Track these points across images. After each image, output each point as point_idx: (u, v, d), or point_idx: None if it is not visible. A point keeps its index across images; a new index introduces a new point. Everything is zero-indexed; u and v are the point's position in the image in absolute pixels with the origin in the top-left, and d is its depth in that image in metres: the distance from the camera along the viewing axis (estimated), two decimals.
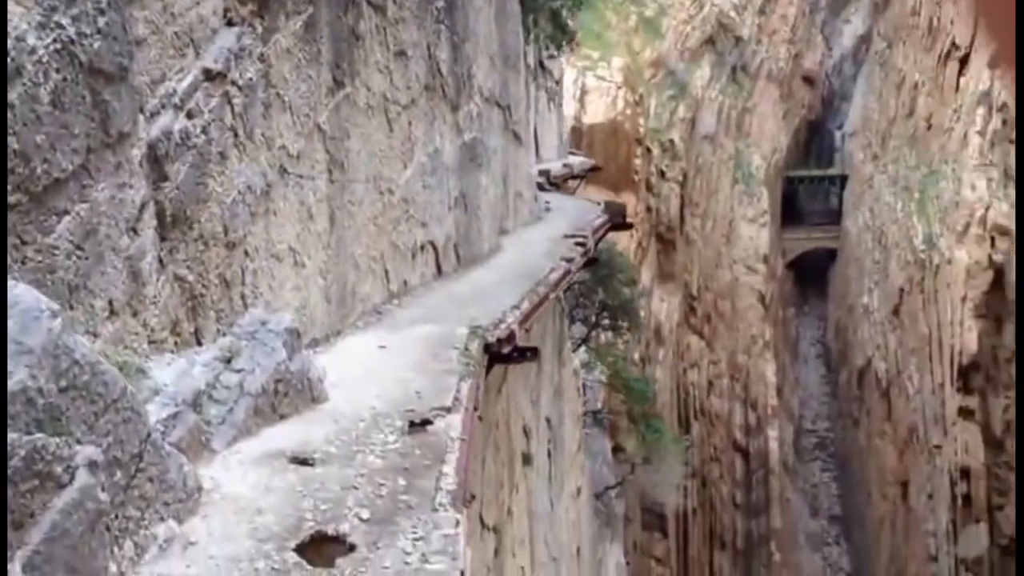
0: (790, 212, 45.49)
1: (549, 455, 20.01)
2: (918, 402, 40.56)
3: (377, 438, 9.52)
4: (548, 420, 19.89)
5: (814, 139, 48.00)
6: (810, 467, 42.76)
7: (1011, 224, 38.08)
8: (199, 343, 10.20)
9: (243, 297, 10.94)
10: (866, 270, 42.76)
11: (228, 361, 9.71)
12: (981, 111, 39.18)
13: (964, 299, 38.77)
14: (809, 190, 47.07)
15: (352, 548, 7.57)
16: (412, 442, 9.45)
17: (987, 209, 38.29)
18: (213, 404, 9.33)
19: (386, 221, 14.10)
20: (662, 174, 42.52)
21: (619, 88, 42.24)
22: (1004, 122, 39.02)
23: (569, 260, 17.37)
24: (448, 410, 10.38)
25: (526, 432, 18.17)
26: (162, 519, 7.57)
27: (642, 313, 28.94)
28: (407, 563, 7.30)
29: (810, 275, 46.57)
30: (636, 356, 30.00)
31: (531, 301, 14.52)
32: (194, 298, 10.24)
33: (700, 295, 39.72)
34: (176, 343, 9.90)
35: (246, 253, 11.00)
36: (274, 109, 11.55)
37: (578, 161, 28.89)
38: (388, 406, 10.37)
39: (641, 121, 43.12)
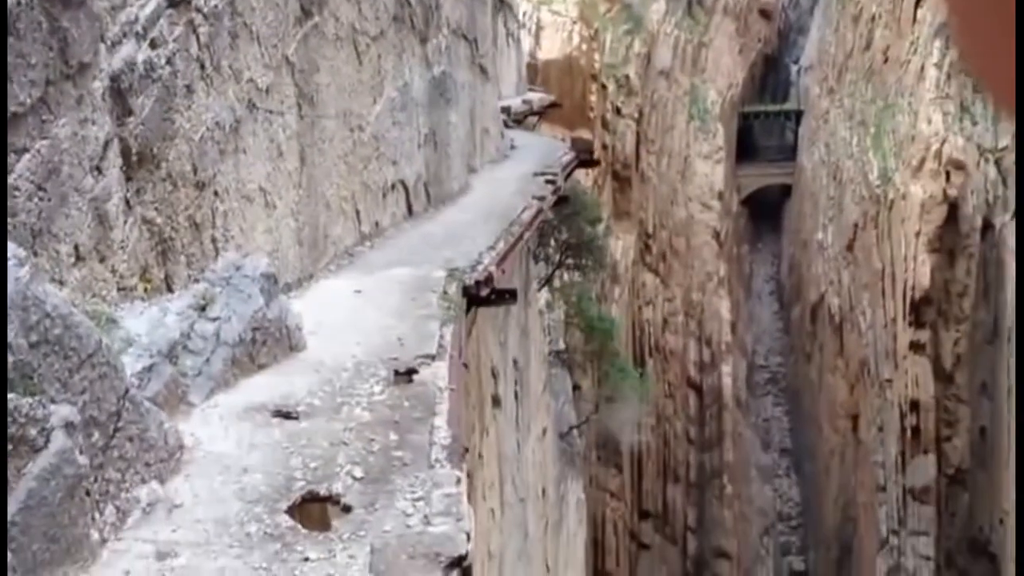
0: (745, 148, 45.13)
1: (516, 397, 19.62)
2: (870, 337, 40.71)
3: (362, 389, 8.99)
4: (515, 361, 19.46)
5: (770, 74, 47.56)
6: (762, 402, 42.92)
7: (966, 158, 38.02)
8: (170, 290, 9.57)
9: (214, 241, 10.30)
10: (821, 206, 42.64)
11: (203, 309, 9.10)
12: (938, 43, 38.93)
13: (918, 234, 38.79)
14: (764, 126, 46.70)
15: (347, 509, 7.07)
16: (399, 393, 8.93)
17: (942, 143, 38.17)
18: (189, 355, 8.73)
19: (356, 159, 13.45)
20: (618, 111, 41.93)
21: (574, 23, 41.45)
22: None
23: (540, 199, 16.80)
24: (433, 358, 9.86)
25: (494, 374, 17.74)
26: (144, 480, 7.01)
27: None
28: (408, 526, 6.80)
29: (765, 211, 46.38)
30: (592, 295, 29.63)
31: (506, 242, 13.99)
32: (163, 242, 9.59)
33: (655, 233, 39.40)
34: (146, 290, 9.27)
35: (216, 194, 10.35)
36: (241, 40, 10.82)
37: (537, 97, 28.23)
38: (370, 354, 9.83)
39: (596, 57, 42.40)
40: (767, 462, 40.97)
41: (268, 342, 9.44)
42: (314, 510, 7.12)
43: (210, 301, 9.16)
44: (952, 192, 39.19)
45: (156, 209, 9.48)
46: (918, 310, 40.25)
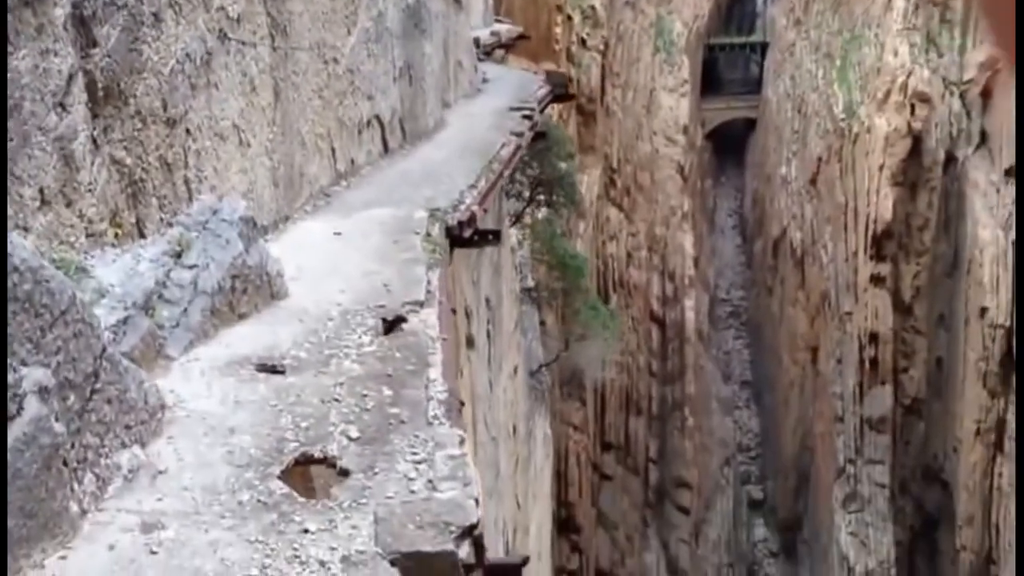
0: (710, 81, 44.39)
1: (488, 336, 19.12)
2: (831, 270, 40.58)
3: (350, 339, 8.41)
4: (488, 300, 18.93)
5: (736, 5, 46.67)
6: (724, 335, 42.78)
7: (931, 91, 37.65)
8: (142, 235, 8.89)
9: (187, 182, 9.61)
10: (785, 139, 42.20)
11: (178, 256, 8.45)
12: None
13: (882, 167, 38.51)
14: (729, 58, 45.94)
15: (345, 473, 6.53)
16: (389, 344, 8.36)
17: (908, 75, 37.73)
18: (165, 305, 8.09)
19: (331, 94, 12.71)
20: (583, 42, 41.01)
21: None
22: None
23: (518, 135, 16.14)
24: (421, 304, 9.28)
25: (467, 314, 17.20)
26: (124, 445, 6.42)
27: None
28: (412, 491, 6.26)
29: (728, 145, 45.81)
30: (561, 231, 29.07)
31: (487, 180, 13.36)
32: (134, 184, 8.89)
33: (620, 167, 38.77)
34: (117, 236, 8.59)
35: (188, 131, 9.63)
36: None
37: (505, 29, 27.35)
38: (355, 302, 9.23)
39: None
40: (727, 394, 40.94)
41: (248, 290, 8.81)
42: (308, 473, 6.58)
43: (186, 247, 8.51)
44: (916, 125, 38.91)
45: (125, 148, 8.77)
46: (879, 243, 40.15)
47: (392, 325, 8.78)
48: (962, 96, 38.28)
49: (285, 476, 6.43)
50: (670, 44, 42.10)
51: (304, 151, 12.07)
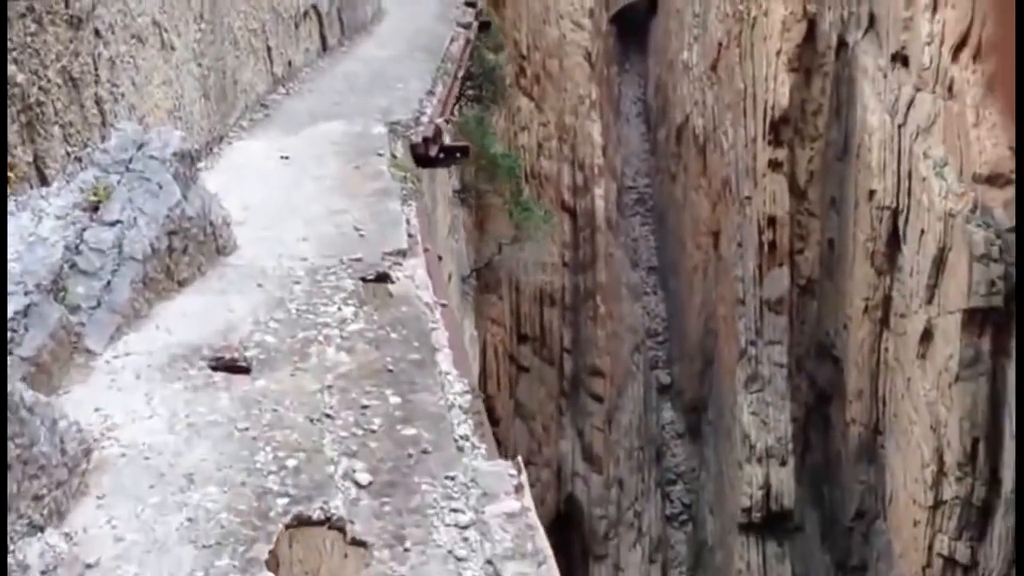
0: None
1: None
2: (732, 156, 38.77)
3: (328, 312, 5.94)
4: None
5: None
6: (630, 222, 40.89)
7: None
8: (43, 181, 6.19)
9: (99, 102, 6.86)
10: (686, 24, 39.78)
11: (95, 209, 5.83)
12: None
13: (779, 52, 36.48)
14: None
15: (361, 545, 4.18)
16: (378, 318, 5.92)
17: None
18: (81, 279, 5.51)
19: None
20: None
21: None
22: None
23: (465, 26, 13.46)
24: (403, 254, 6.83)
25: None
26: (34, 526, 3.97)
27: None
28: None
29: (632, 30, 43.12)
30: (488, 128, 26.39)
31: (444, 84, 10.78)
32: (28, 109, 6.15)
33: (529, 54, 35.95)
34: (8, 182, 5.89)
35: (97, 33, 6.85)
36: None
37: None
38: (324, 253, 6.73)
39: None
40: (636, 280, 39.23)
41: (189, 248, 6.22)
42: (310, 547, 4.19)
43: (105, 197, 5.88)
44: (811, 8, 36.88)
45: (14, 61, 6.00)
46: (777, 129, 38.41)
47: (375, 285, 6.35)
48: None
49: (277, 557, 4.07)
50: None
51: (237, 53, 9.31)
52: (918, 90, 33.73)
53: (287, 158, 8.39)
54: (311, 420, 4.85)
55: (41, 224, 5.49)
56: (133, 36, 7.25)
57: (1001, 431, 32.01)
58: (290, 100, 10.22)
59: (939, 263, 32.80)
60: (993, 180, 31.63)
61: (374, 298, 6.15)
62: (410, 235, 7.07)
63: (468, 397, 5.21)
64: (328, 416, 4.89)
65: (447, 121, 9.97)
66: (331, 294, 6.14)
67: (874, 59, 36.48)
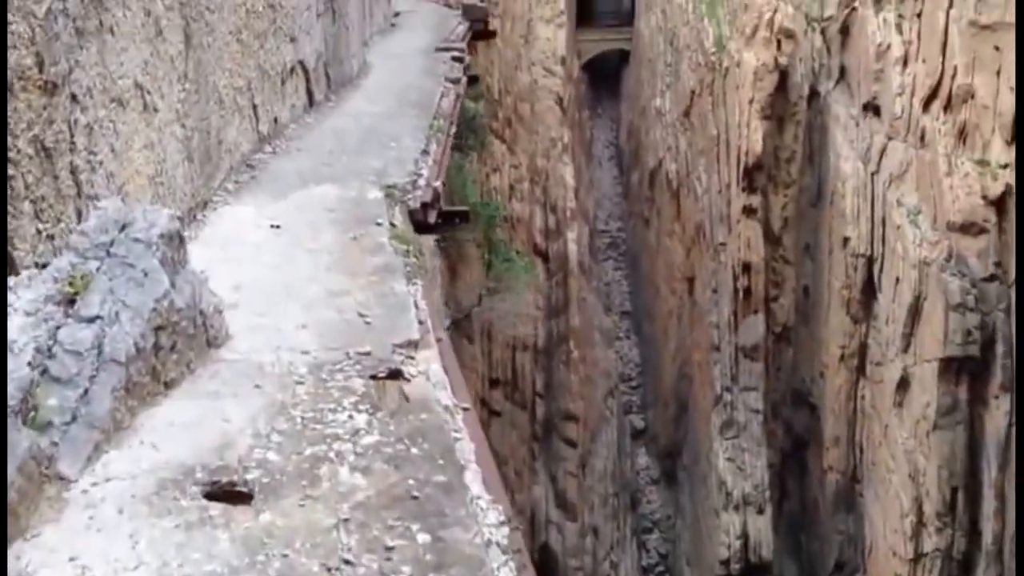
0: (584, 12, 41.29)
1: None
2: (705, 202, 38.39)
3: (338, 421, 5.16)
4: None
5: None
6: (603, 266, 40.29)
7: (795, 26, 35.68)
8: (12, 266, 5.36)
9: (74, 172, 6.06)
10: (658, 72, 39.48)
11: (71, 303, 5.03)
12: None
13: (751, 101, 36.35)
14: None
15: None
16: (394, 428, 5.15)
17: (774, 12, 35.55)
18: (53, 388, 4.70)
19: (251, 36, 9.14)
20: None
21: None
22: None
23: (454, 81, 12.77)
24: (415, 344, 6.07)
25: None
26: None
27: None
28: None
29: (604, 77, 42.82)
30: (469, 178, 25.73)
31: (438, 142, 10.06)
32: None
33: (501, 98, 35.45)
34: None
35: (74, 98, 6.06)
36: None
37: None
38: (326, 344, 5.94)
39: None
40: (609, 325, 38.58)
41: (178, 344, 5.43)
42: None
43: (82, 287, 5.08)
44: (783, 60, 36.76)
45: None
46: (750, 175, 38.15)
47: (388, 383, 5.57)
48: (823, 32, 36.32)
49: None
50: None
51: (222, 111, 8.53)
52: (890, 139, 33.52)
53: (278, 227, 7.61)
54: (328, 569, 4.04)
55: (8, 323, 4.67)
56: (113, 100, 6.46)
57: (980, 481, 31.53)
58: (277, 160, 9.44)
59: (915, 311, 32.38)
60: (967, 229, 31.31)
61: (388, 402, 5.36)
62: (420, 322, 6.29)
63: (506, 530, 4.43)
64: (348, 563, 4.09)
65: (444, 183, 9.24)
66: (339, 397, 5.35)
67: (846, 108, 36.33)
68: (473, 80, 15.15)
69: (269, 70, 9.67)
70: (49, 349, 4.78)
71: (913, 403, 32.79)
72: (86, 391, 4.77)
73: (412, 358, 5.88)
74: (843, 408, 36.33)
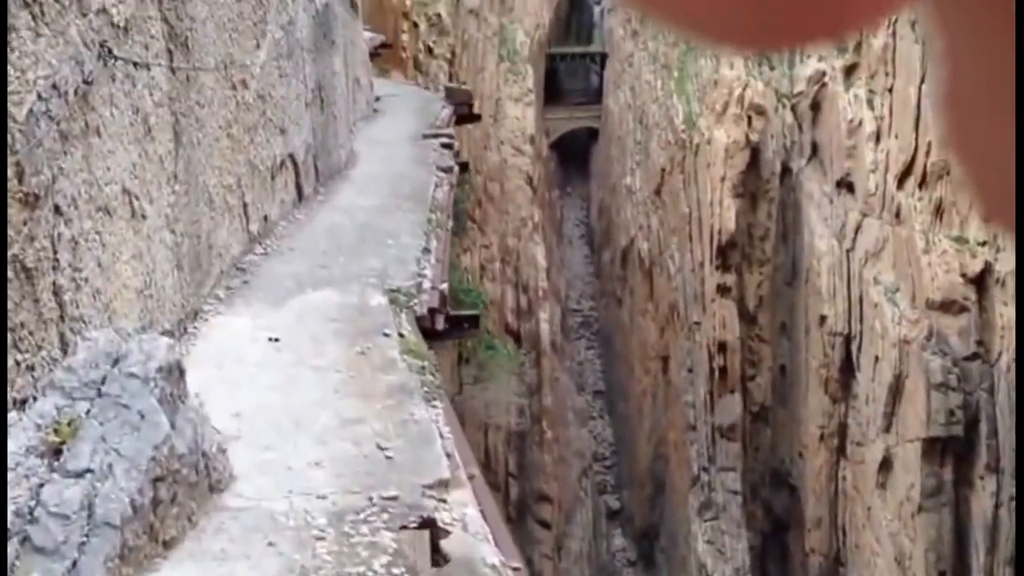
0: (552, 91, 41.15)
1: None
2: (679, 280, 38.04)
3: None
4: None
5: (574, 15, 43.48)
6: (576, 345, 39.69)
7: (766, 103, 35.72)
8: None
9: (57, 292, 5.35)
10: (628, 150, 39.36)
11: (57, 453, 4.31)
12: None
13: (723, 178, 36.20)
14: (570, 68, 42.66)
15: None
16: None
17: (744, 88, 35.62)
18: (36, 560, 3.94)
19: (241, 130, 8.47)
20: (430, 51, 37.18)
21: None
22: None
23: (446, 170, 12.17)
24: (446, 485, 5.37)
25: None
26: None
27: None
28: None
29: (573, 155, 42.61)
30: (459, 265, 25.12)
31: (439, 239, 9.44)
32: None
33: (471, 178, 35.10)
34: None
35: (57, 210, 5.38)
36: None
37: (368, 36, 23.18)
38: (346, 486, 5.22)
39: None
40: (582, 405, 37.89)
41: (178, 496, 4.68)
42: None
43: (70, 435, 4.35)
44: (754, 137, 36.76)
45: None
46: (724, 254, 37.90)
47: (420, 536, 4.86)
48: (793, 109, 36.40)
49: None
50: (514, 53, 38.79)
51: (212, 212, 7.86)
52: (865, 215, 33.41)
53: (277, 340, 6.91)
54: None
55: None
56: (100, 209, 5.79)
57: (968, 565, 30.95)
58: (269, 262, 8.75)
59: (895, 391, 31.95)
60: (947, 307, 31.04)
61: (424, 562, 4.65)
62: (448, 455, 5.59)
63: None
64: None
65: (445, 283, 8.60)
66: (368, 557, 4.62)
67: (819, 185, 36.34)
68: (463, 167, 14.55)
69: (259, 165, 9.01)
70: (31, 512, 4.04)
71: (896, 484, 32.25)
72: (74, 563, 4.02)
73: (444, 501, 5.19)
74: (824, 489, 35.72)
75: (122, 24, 6.21)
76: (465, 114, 17.76)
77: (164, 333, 6.71)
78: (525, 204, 37.54)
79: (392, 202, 10.77)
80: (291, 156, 10.09)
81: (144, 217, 6.48)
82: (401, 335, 7.03)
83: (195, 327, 7.12)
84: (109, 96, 5.98)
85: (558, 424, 36.63)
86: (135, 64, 6.30)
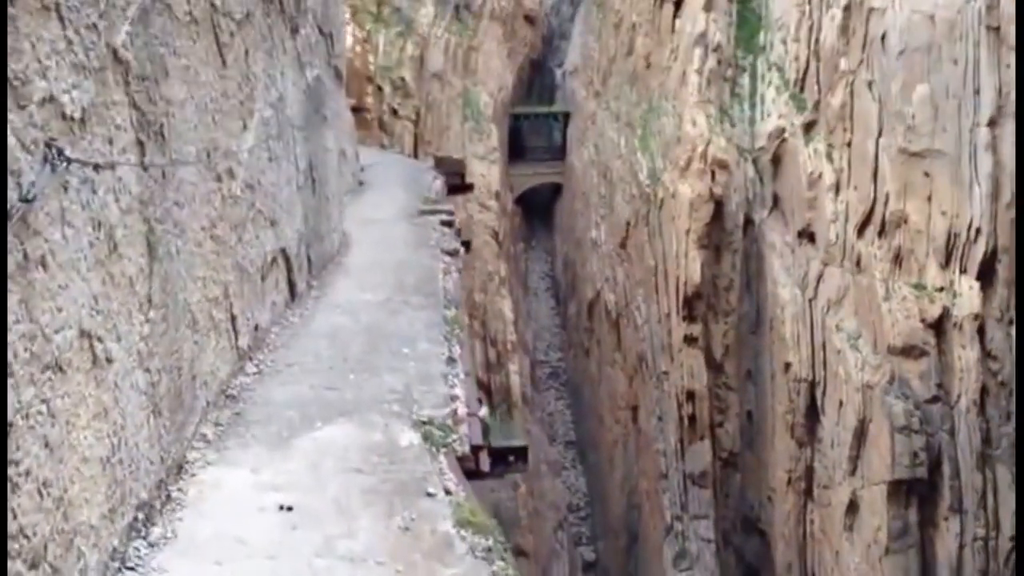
0: (515, 148, 39.64)
1: None
2: (646, 331, 36.47)
3: None
4: None
5: (536, 77, 42.11)
6: (545, 396, 37.83)
7: (728, 157, 34.60)
8: None
9: None
10: (592, 204, 37.83)
11: None
12: (698, 51, 35.26)
13: (688, 231, 34.88)
14: (534, 126, 41.19)
15: None
16: None
17: (707, 144, 34.47)
18: None
19: (228, 228, 6.50)
20: (395, 112, 35.55)
21: (347, 24, 34.60)
22: (719, 62, 35.65)
23: (452, 253, 10.27)
24: None
25: None
26: None
27: None
28: None
29: (536, 210, 41.00)
30: None
31: (461, 342, 7.54)
32: None
33: None
34: None
35: None
36: (22, 17, 3.90)
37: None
38: None
39: (371, 59, 35.86)
40: (554, 456, 35.95)
41: None
42: None
43: None
44: (717, 190, 35.54)
45: None
46: (690, 304, 36.47)
47: None
48: (755, 163, 35.16)
49: None
50: (478, 113, 37.25)
51: (195, 334, 5.92)
52: (826, 265, 32.14)
53: (291, 510, 4.96)
54: None
55: None
56: (47, 367, 3.85)
57: None
58: (264, 384, 6.78)
59: (860, 435, 30.70)
60: (908, 352, 29.82)
61: None
62: None
63: None
64: None
65: (480, 400, 6.68)
66: None
67: (781, 236, 35.03)
68: (467, 246, 12.57)
69: (248, 267, 7.07)
70: None
71: (863, 527, 30.79)
72: None
73: None
74: (793, 533, 34.15)
75: (77, 115, 4.29)
76: (458, 185, 15.76)
77: (141, 506, 4.74)
78: (491, 259, 35.76)
79: (398, 296, 8.83)
80: (283, 250, 8.14)
81: (110, 361, 4.53)
82: (448, 491, 5.09)
83: (180, 489, 5.15)
84: (60, 212, 4.06)
85: (532, 477, 34.64)
86: (96, 166, 4.37)
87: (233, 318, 6.55)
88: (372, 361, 7.02)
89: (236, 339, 6.64)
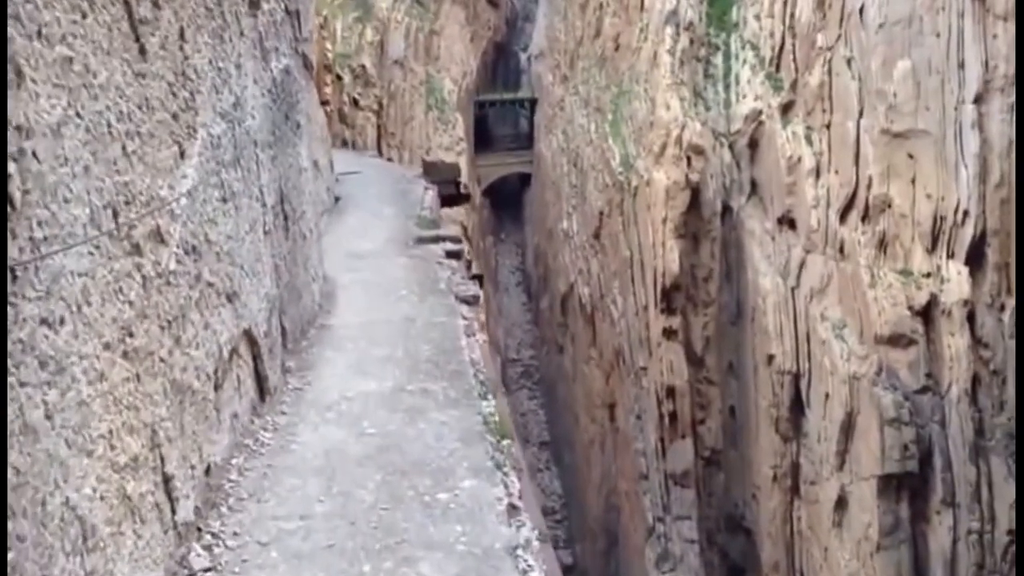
0: (481, 138, 36.60)
1: None
2: (623, 325, 33.88)
3: None
4: None
5: (500, 61, 39.03)
6: (517, 396, 35.13)
7: (704, 142, 32.00)
8: None
9: None
10: (564, 194, 35.05)
11: None
12: (669, 30, 32.48)
13: (664, 220, 32.27)
14: (499, 114, 38.08)
15: None
16: None
17: (682, 129, 31.85)
18: None
19: (155, 330, 3.65)
20: (355, 103, 32.39)
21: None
22: (691, 41, 32.85)
23: (471, 301, 7.30)
24: None
25: None
26: None
27: None
28: None
29: (505, 202, 38.06)
30: None
31: (518, 468, 4.72)
32: None
33: None
34: None
35: None
36: None
37: None
38: None
39: (329, 46, 32.66)
40: (528, 458, 33.17)
41: None
42: None
43: None
44: (694, 177, 32.95)
45: None
46: (668, 296, 33.91)
47: None
48: (731, 147, 32.57)
49: None
50: (442, 102, 34.17)
51: (90, 553, 3.08)
52: (808, 252, 29.85)
53: None
54: None
55: None
56: None
57: None
58: None
59: (847, 428, 28.58)
60: (895, 341, 27.68)
61: None
62: None
63: None
64: None
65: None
66: None
67: (760, 223, 32.54)
68: (479, 280, 9.53)
69: (193, 380, 4.15)
70: None
71: (852, 523, 28.81)
72: None
73: None
74: (779, 531, 32.04)
75: None
76: (453, 195, 12.70)
77: None
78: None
79: (412, 381, 5.81)
80: (246, 333, 5.18)
81: None
82: None
83: None
84: None
85: None
86: None
87: (166, 481, 3.69)
88: (395, 526, 4.13)
89: (173, 513, 3.78)
